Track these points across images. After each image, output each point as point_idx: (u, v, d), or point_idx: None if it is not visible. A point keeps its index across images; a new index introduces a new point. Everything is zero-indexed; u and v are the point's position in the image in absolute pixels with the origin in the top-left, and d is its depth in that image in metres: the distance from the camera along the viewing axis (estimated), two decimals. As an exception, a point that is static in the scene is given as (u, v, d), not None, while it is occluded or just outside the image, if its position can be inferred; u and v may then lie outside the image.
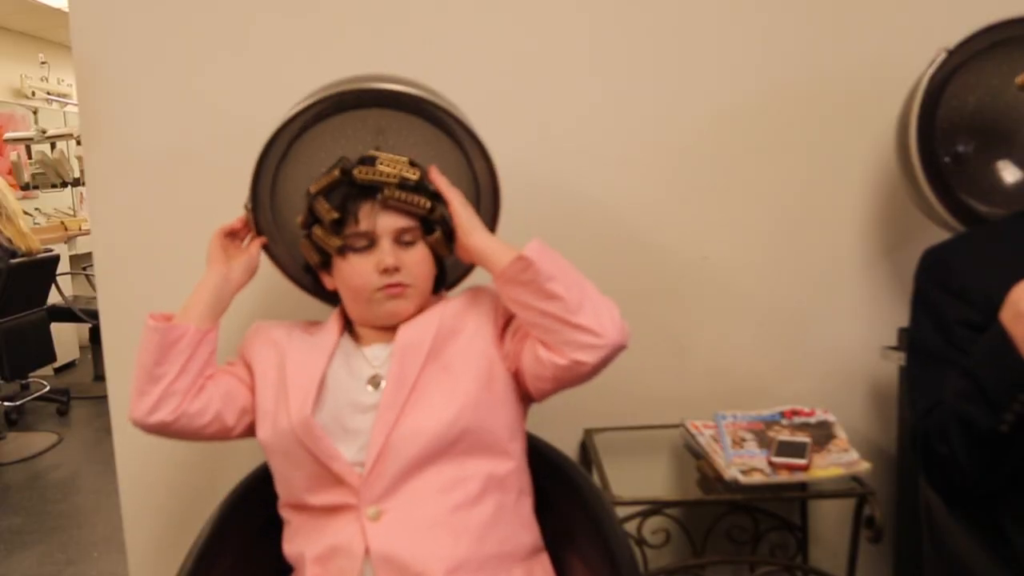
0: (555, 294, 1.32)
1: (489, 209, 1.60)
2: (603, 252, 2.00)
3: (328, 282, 1.53)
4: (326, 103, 1.51)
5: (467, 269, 1.66)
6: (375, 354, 1.47)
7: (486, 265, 1.42)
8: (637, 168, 1.99)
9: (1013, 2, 1.78)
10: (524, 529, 1.43)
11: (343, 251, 1.45)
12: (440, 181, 1.48)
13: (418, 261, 1.47)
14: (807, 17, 1.96)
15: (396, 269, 1.43)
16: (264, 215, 1.58)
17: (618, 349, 1.35)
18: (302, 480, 1.40)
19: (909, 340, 1.44)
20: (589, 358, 1.33)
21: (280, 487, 1.46)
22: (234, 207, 1.59)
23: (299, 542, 1.41)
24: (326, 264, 1.50)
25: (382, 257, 1.42)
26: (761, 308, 2.04)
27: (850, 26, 1.97)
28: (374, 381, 1.43)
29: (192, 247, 1.62)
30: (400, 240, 1.46)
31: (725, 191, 2.00)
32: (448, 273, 1.63)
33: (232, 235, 1.56)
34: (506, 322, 1.48)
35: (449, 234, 1.49)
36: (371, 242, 1.44)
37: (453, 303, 1.50)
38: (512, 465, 1.42)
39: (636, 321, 2.00)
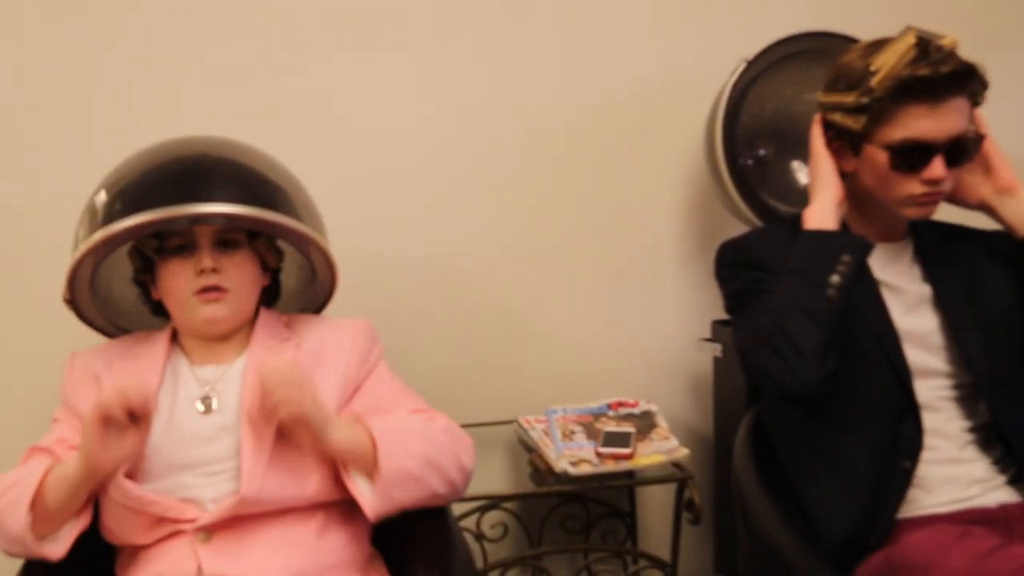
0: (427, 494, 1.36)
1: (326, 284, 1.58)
2: (435, 255, 2.05)
3: (154, 291, 1.46)
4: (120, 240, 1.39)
5: (332, 287, 1.58)
6: (207, 376, 1.42)
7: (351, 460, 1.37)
8: (465, 176, 2.05)
9: (804, 17, 1.95)
10: (359, 538, 1.43)
11: (162, 253, 1.39)
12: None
13: (239, 264, 1.40)
14: (622, 30, 2.07)
15: (213, 270, 1.37)
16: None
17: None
18: (130, 528, 1.34)
19: (728, 308, 1.55)
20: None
21: (108, 525, 1.38)
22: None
23: (131, 570, 1.35)
24: (148, 269, 1.44)
25: (200, 258, 1.37)
26: (588, 305, 2.13)
27: (662, 38, 2.09)
28: (206, 402, 1.39)
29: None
30: (221, 243, 1.40)
31: (551, 194, 2.09)
32: (283, 285, 1.59)
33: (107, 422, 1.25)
34: (357, 385, 1.46)
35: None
36: (190, 245, 1.39)
37: (306, 351, 1.45)
38: (340, 485, 1.42)
39: (469, 321, 2.07)
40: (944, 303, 1.46)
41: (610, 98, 2.08)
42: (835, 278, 1.33)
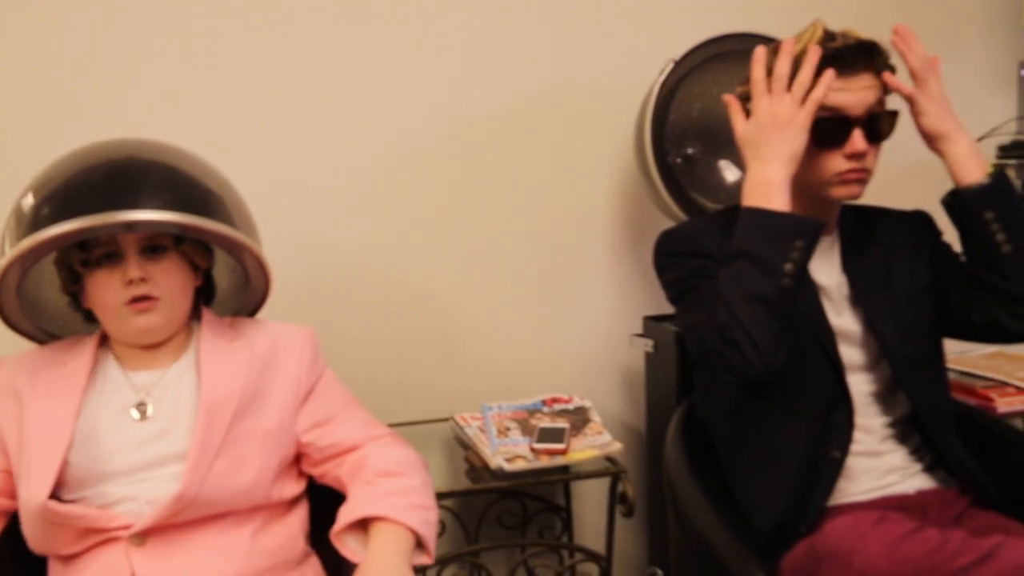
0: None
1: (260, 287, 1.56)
2: (369, 255, 2.05)
3: (84, 300, 1.42)
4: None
5: (266, 290, 1.56)
6: (142, 382, 1.39)
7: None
8: (399, 175, 2.05)
9: (730, 19, 1.99)
10: (294, 538, 1.43)
11: (87, 264, 1.35)
12: None
13: (168, 271, 1.37)
14: (553, 29, 2.09)
15: (142, 280, 1.34)
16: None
17: None
18: (55, 541, 1.31)
19: (669, 297, 1.55)
20: None
21: (31, 538, 1.35)
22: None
23: None
24: (76, 280, 1.40)
25: (127, 268, 1.33)
26: (522, 302, 2.15)
27: (593, 38, 2.12)
28: (141, 409, 1.37)
29: None
30: (148, 249, 1.37)
31: (484, 193, 2.10)
32: (217, 283, 1.57)
33: None
34: (307, 393, 1.46)
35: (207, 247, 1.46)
36: (116, 254, 1.35)
37: (259, 353, 1.44)
38: (279, 489, 1.42)
39: (404, 320, 2.07)
40: (860, 297, 1.50)
41: (541, 97, 2.10)
42: (789, 266, 1.31)
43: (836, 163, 1.40)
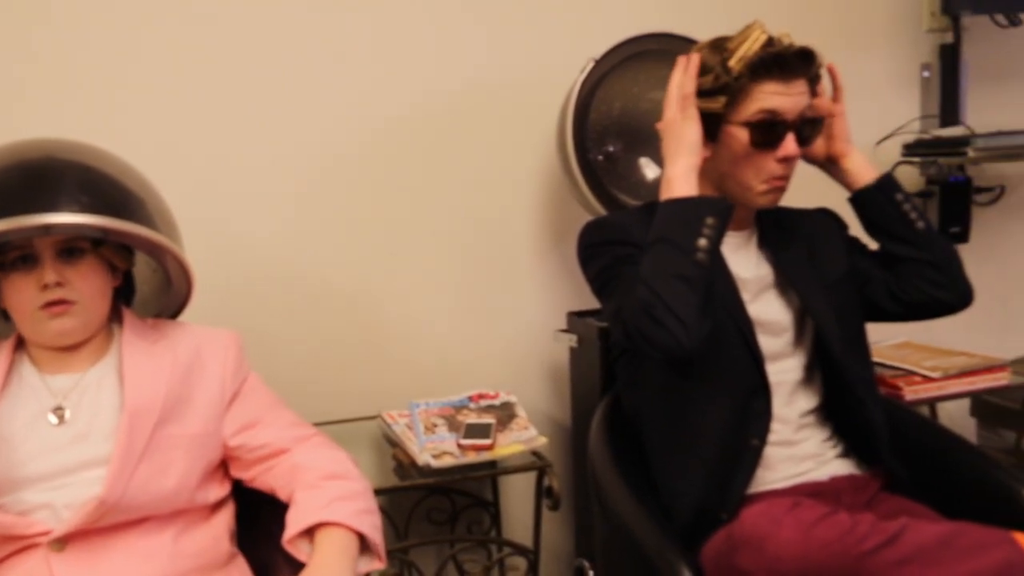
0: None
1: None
2: (294, 253, 2.03)
3: (1, 301, 1.38)
4: None
5: (188, 292, 1.53)
6: (60, 386, 1.36)
7: None
8: (323, 173, 2.04)
9: (651, 19, 2.03)
10: (218, 539, 1.42)
11: (2, 267, 1.32)
12: None
13: (84, 275, 1.34)
14: (477, 27, 2.10)
15: (58, 284, 1.31)
16: None
17: None
18: None
19: (594, 288, 1.58)
20: None
21: None
22: None
23: None
24: None
25: (42, 273, 1.30)
26: (448, 300, 2.16)
27: (517, 37, 2.13)
28: (59, 413, 1.34)
29: None
30: (65, 253, 1.34)
31: (409, 190, 2.10)
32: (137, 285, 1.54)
33: None
34: (233, 396, 1.44)
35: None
36: (31, 257, 1.32)
37: (183, 356, 1.41)
38: (203, 493, 1.40)
39: (330, 319, 2.07)
40: (795, 283, 1.56)
41: (464, 97, 2.11)
42: (702, 241, 1.38)
43: (769, 166, 1.46)
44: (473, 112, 2.12)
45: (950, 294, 1.58)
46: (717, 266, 1.50)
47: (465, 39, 2.10)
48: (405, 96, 2.07)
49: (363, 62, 2.04)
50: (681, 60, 1.49)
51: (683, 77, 1.46)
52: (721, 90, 1.44)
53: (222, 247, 1.97)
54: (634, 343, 1.40)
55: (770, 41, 1.45)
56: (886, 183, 1.59)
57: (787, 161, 1.46)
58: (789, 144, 1.44)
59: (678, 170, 1.45)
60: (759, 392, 1.49)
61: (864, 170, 1.60)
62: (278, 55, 1.99)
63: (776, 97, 1.42)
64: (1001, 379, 2.12)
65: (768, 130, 1.44)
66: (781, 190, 1.50)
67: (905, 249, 1.58)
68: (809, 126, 1.48)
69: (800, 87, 1.44)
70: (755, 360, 1.49)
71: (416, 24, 2.06)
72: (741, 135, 1.45)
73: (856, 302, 1.61)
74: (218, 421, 1.41)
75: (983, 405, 2.44)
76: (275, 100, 1.99)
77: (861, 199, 1.61)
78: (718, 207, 1.41)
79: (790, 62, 1.42)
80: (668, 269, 1.38)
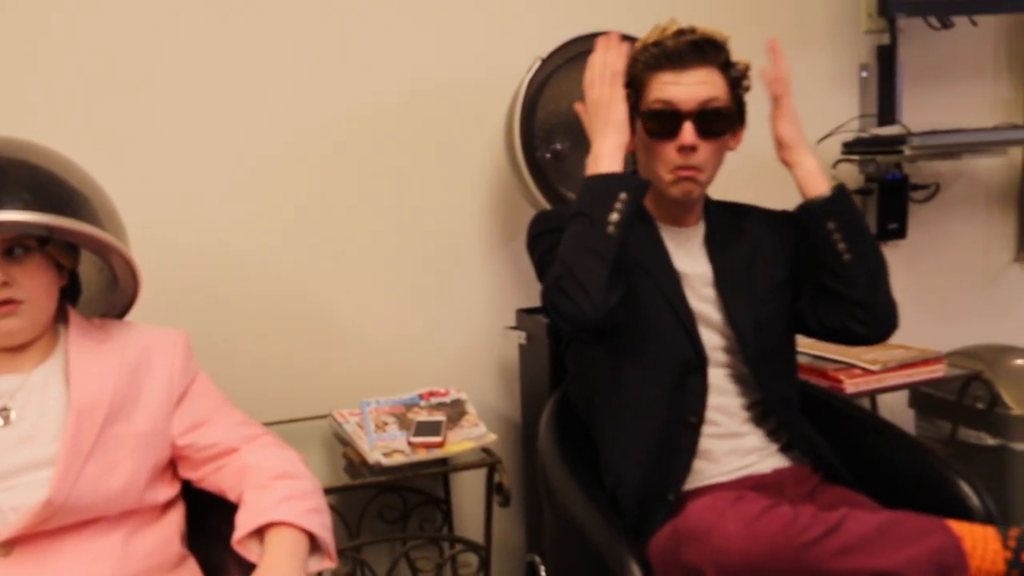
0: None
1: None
2: (242, 252, 2.02)
3: None
4: None
5: (135, 291, 1.51)
6: (5, 385, 1.34)
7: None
8: (271, 172, 2.03)
9: (598, 18, 2.05)
10: (169, 540, 1.41)
11: None
12: None
13: (31, 274, 1.32)
14: (425, 26, 2.11)
15: (4, 284, 1.29)
16: None
17: None
18: None
19: (538, 273, 1.62)
20: None
21: None
22: None
23: None
24: None
25: None
26: (398, 298, 2.16)
27: (465, 35, 2.14)
28: (4, 414, 1.32)
29: None
30: (9, 253, 1.32)
31: (358, 189, 2.10)
32: (83, 285, 1.52)
33: None
34: (181, 395, 1.43)
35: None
36: None
37: (130, 356, 1.40)
38: (152, 494, 1.39)
39: (279, 318, 2.06)
40: (722, 285, 1.58)
41: (414, 94, 2.11)
42: (614, 216, 1.41)
43: (670, 155, 1.49)
44: (421, 111, 2.12)
45: (868, 331, 1.56)
46: (659, 258, 1.55)
47: (412, 38, 2.10)
48: (353, 94, 2.07)
49: (310, 60, 2.03)
50: (602, 40, 1.51)
51: (610, 54, 1.49)
52: (629, 83, 1.50)
53: (170, 247, 1.95)
54: (551, 318, 1.45)
55: (671, 32, 1.48)
56: (822, 208, 1.53)
57: (686, 151, 1.48)
58: (686, 133, 1.46)
59: (606, 147, 1.47)
60: (695, 370, 1.53)
61: (810, 185, 1.56)
62: (219, 54, 1.97)
63: (669, 87, 1.47)
64: (937, 371, 2.19)
65: (664, 119, 1.48)
66: (691, 180, 1.51)
67: (832, 281, 1.55)
68: (713, 116, 1.49)
69: (696, 77, 1.47)
70: (692, 342, 1.53)
71: (362, 23, 2.06)
72: (644, 126, 1.50)
73: (784, 316, 1.62)
74: (166, 420, 1.40)
75: (920, 397, 2.51)
76: (223, 98, 1.98)
77: (798, 214, 1.59)
78: (632, 183, 1.44)
79: (681, 52, 1.46)
80: (581, 243, 1.42)
